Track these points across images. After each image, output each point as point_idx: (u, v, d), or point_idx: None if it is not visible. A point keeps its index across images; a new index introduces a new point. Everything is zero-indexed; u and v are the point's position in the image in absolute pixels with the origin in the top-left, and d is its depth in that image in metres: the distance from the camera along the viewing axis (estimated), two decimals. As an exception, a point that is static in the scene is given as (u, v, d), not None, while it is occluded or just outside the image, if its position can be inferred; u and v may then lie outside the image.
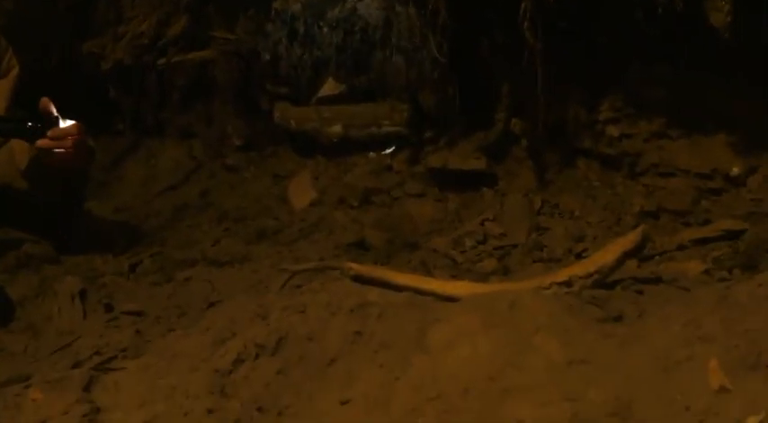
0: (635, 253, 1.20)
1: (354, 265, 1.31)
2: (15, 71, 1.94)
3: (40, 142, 1.72)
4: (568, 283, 1.14)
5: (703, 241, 1.54)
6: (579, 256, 1.57)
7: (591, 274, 1.14)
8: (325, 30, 2.26)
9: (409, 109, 2.30)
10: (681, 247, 1.53)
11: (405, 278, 1.23)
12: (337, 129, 2.38)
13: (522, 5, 1.50)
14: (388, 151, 2.30)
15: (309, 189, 2.32)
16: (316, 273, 1.50)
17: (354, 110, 2.38)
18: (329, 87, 2.41)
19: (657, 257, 1.48)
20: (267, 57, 2.41)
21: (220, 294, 1.67)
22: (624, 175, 1.79)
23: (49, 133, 1.71)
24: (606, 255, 1.16)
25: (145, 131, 2.74)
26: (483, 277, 1.52)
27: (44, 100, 1.72)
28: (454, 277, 1.53)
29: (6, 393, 1.29)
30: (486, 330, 1.03)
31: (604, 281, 1.16)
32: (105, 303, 1.72)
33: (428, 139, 2.15)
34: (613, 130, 1.76)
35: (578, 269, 1.16)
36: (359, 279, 1.28)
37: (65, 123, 1.72)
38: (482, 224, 1.79)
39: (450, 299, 1.17)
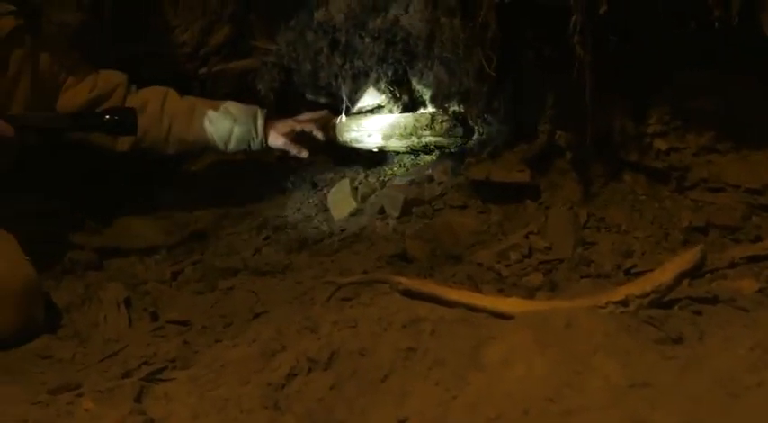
0: (692, 272, 1.17)
1: (404, 280, 1.30)
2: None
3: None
4: (624, 303, 1.12)
5: (755, 259, 1.51)
6: (628, 273, 1.55)
7: (647, 294, 1.13)
8: (367, 40, 2.26)
9: (450, 120, 2.29)
10: (732, 265, 1.50)
11: (456, 294, 1.22)
12: (377, 139, 2.38)
13: (573, 18, 1.48)
14: (429, 162, 2.30)
15: (349, 199, 2.32)
16: (363, 286, 1.50)
17: (394, 120, 2.38)
18: (369, 98, 2.42)
19: (709, 275, 1.45)
20: (308, 67, 2.42)
21: (265, 305, 1.68)
22: (672, 190, 1.76)
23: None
24: (663, 273, 1.14)
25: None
26: (530, 292, 1.51)
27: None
28: (501, 291, 1.52)
29: (58, 401, 1.31)
30: (541, 349, 1.02)
31: (661, 300, 1.14)
32: (151, 312, 1.74)
33: (470, 150, 2.14)
34: (661, 144, 1.73)
35: (634, 288, 1.14)
36: (409, 294, 1.28)
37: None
38: (526, 237, 1.77)
39: (503, 316, 1.16)
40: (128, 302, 1.85)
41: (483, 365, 1.02)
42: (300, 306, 1.57)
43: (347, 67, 2.37)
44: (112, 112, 1.94)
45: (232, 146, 2.26)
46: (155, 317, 1.73)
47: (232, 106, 2.24)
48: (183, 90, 2.61)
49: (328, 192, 2.43)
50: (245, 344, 1.43)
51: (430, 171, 2.22)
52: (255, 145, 2.27)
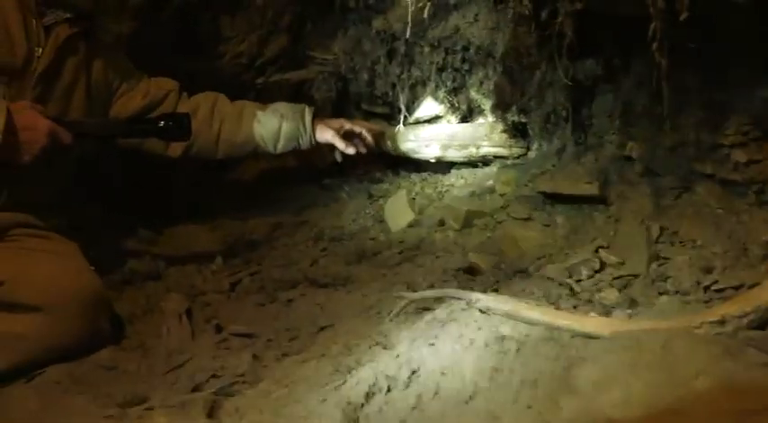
0: (793, 292, 1.11)
1: (483, 296, 1.26)
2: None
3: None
4: (721, 323, 1.07)
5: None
6: (708, 290, 1.49)
7: (746, 314, 1.07)
8: (426, 49, 2.24)
9: (509, 130, 2.25)
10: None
11: (539, 312, 1.18)
12: (435, 149, 2.35)
13: (652, 26, 1.43)
14: (489, 173, 2.26)
15: (407, 210, 2.29)
16: (434, 301, 1.46)
17: (453, 130, 2.34)
18: (427, 107, 2.39)
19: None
20: (365, 76, 2.40)
21: (330, 318, 1.65)
22: (750, 203, 1.69)
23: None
24: (763, 293, 1.08)
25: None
26: (606, 309, 1.45)
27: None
28: (575, 308, 1.47)
29: (129, 415, 1.30)
30: (637, 372, 0.97)
31: (761, 321, 1.08)
32: (215, 324, 1.72)
33: (533, 161, 2.09)
34: (740, 155, 1.66)
35: (732, 308, 1.08)
36: (487, 311, 1.24)
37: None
38: (596, 252, 1.72)
39: (591, 335, 1.11)
40: (189, 314, 1.84)
41: (576, 388, 0.98)
42: (368, 320, 1.53)
43: (405, 76, 2.35)
44: (167, 117, 1.94)
45: (281, 145, 2.22)
46: (218, 329, 1.71)
47: (280, 105, 2.22)
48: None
49: (384, 202, 2.40)
50: (314, 359, 1.41)
51: (491, 182, 2.17)
52: (305, 142, 2.23)
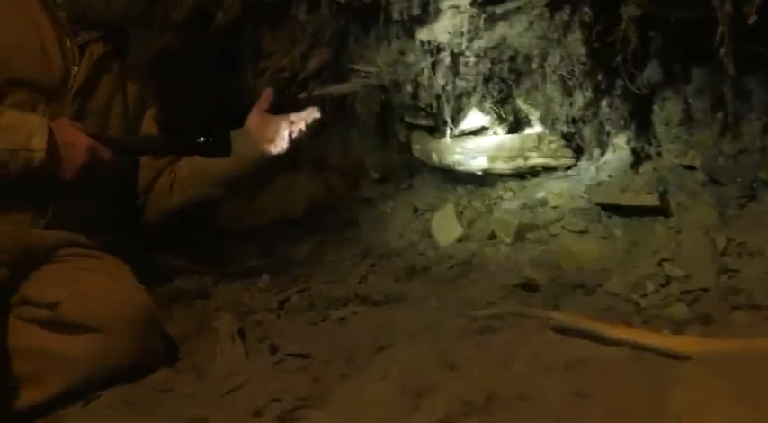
0: None
1: (556, 315, 1.21)
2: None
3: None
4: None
5: None
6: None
7: None
8: (471, 59, 2.20)
9: (558, 140, 2.20)
10: None
11: (620, 331, 1.13)
12: (482, 161, 2.31)
13: (719, 30, 1.38)
14: (539, 185, 2.21)
15: (455, 224, 2.25)
16: (498, 319, 1.41)
17: (500, 141, 2.30)
18: (473, 118, 2.35)
19: None
20: (408, 88, 2.37)
21: (388, 337, 1.60)
22: (821, 212, 1.63)
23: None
24: None
25: (280, 165, 2.74)
26: (678, 325, 1.39)
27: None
28: (645, 324, 1.41)
29: (191, 440, 1.26)
30: (738, 397, 0.91)
31: None
32: (270, 344, 1.69)
33: (586, 171, 2.04)
34: (808, 163, 1.61)
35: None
36: (562, 330, 1.19)
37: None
38: (660, 265, 1.66)
39: (678, 356, 1.06)
40: (241, 333, 1.81)
41: (670, 414, 0.92)
42: (429, 339, 1.48)
43: (450, 87, 2.31)
44: (206, 134, 1.88)
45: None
46: (273, 349, 1.68)
47: None
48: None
49: (431, 216, 2.36)
50: (376, 381, 1.36)
51: (542, 194, 2.12)
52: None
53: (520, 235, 2.02)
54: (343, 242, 2.42)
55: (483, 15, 2.06)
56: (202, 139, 1.86)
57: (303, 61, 2.47)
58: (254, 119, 2.01)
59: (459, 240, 2.18)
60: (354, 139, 2.62)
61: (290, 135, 2.00)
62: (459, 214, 2.29)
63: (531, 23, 1.99)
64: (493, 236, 2.10)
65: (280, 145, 1.99)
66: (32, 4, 1.77)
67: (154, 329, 1.66)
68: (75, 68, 1.79)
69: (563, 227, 1.96)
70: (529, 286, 1.76)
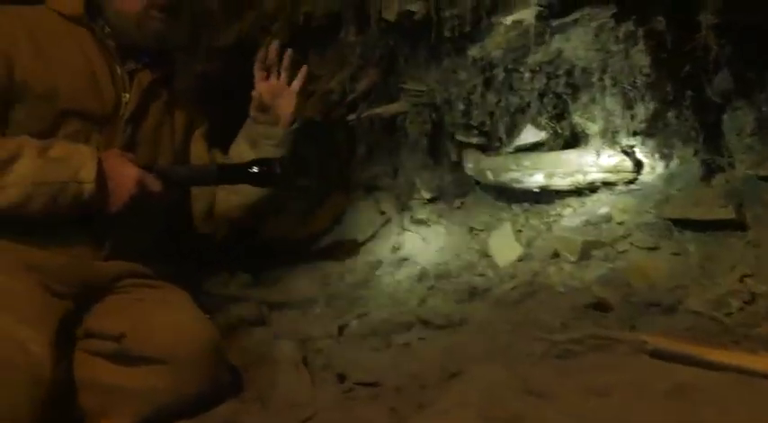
0: None
1: (651, 338, 1.15)
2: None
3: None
4: None
5: None
6: None
7: None
8: (526, 75, 2.15)
9: (617, 154, 2.14)
10: None
11: (723, 355, 1.06)
12: (539, 178, 2.25)
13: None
14: (601, 200, 2.14)
15: (513, 243, 2.19)
16: (578, 343, 1.35)
17: (557, 157, 2.24)
18: (529, 134, 2.30)
19: None
20: (460, 106, 2.32)
21: (458, 362, 1.55)
22: None
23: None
24: None
25: (330, 186, 2.72)
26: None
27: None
28: (736, 344, 1.34)
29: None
30: None
31: None
32: (338, 373, 1.64)
33: (652, 185, 1.97)
34: None
35: None
36: (658, 355, 1.12)
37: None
38: (741, 281, 1.59)
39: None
40: (305, 361, 1.77)
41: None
42: (505, 364, 1.43)
43: (503, 103, 2.27)
44: (259, 162, 1.83)
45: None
46: (341, 378, 1.63)
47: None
48: (331, 137, 2.59)
49: (487, 236, 2.31)
50: (455, 409, 1.31)
51: (605, 210, 2.06)
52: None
53: (585, 253, 1.96)
54: (396, 264, 2.38)
55: (538, 29, 2.01)
56: (255, 167, 1.82)
57: (351, 82, 2.45)
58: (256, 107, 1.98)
59: (520, 260, 2.12)
60: (404, 159, 2.58)
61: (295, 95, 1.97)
62: (518, 233, 2.23)
63: (590, 35, 1.94)
64: (555, 254, 2.04)
65: (293, 114, 1.97)
66: (81, 34, 1.78)
67: (220, 360, 1.63)
68: (126, 96, 1.80)
69: (631, 243, 1.89)
70: (601, 306, 1.69)
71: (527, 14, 1.81)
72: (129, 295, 1.70)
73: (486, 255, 2.24)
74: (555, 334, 1.40)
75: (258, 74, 1.98)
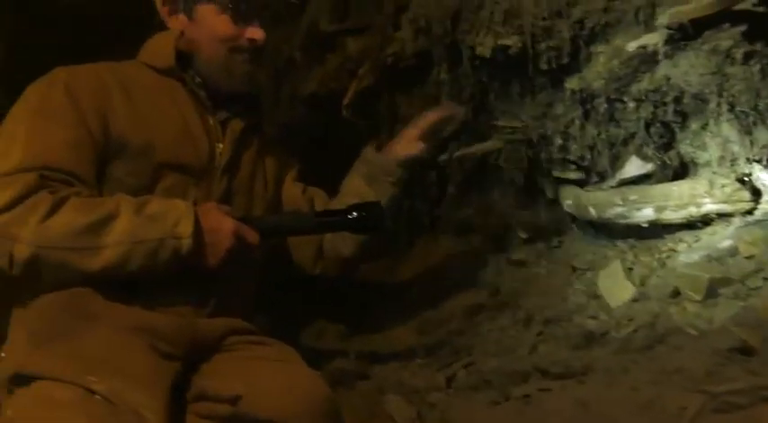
0: None
1: None
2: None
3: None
4: None
5: None
6: None
7: None
8: (630, 105, 2.04)
9: (732, 183, 2.00)
10: None
11: None
12: (648, 212, 2.11)
13: None
14: (720, 234, 2.00)
15: (625, 282, 2.06)
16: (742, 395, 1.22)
17: (666, 189, 2.10)
18: (633, 167, 2.18)
19: None
20: (558, 141, 2.23)
21: (599, 418, 1.43)
22: None
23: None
24: None
25: (419, 229, 2.64)
26: None
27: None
28: None
29: None
30: None
31: None
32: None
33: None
34: None
35: None
36: None
37: None
38: None
39: None
40: (420, 417, 1.67)
41: None
42: (656, 421, 1.30)
43: (603, 136, 2.16)
44: (358, 208, 1.75)
45: (370, 188, 1.96)
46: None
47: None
48: (420, 179, 2.51)
49: (594, 275, 2.18)
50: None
51: (729, 243, 1.91)
52: (378, 166, 1.97)
53: (711, 291, 1.81)
54: (498, 308, 2.26)
55: (642, 56, 1.91)
56: (355, 213, 1.74)
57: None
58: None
59: (634, 300, 1.98)
60: (498, 198, 2.48)
61: (427, 131, 1.95)
62: (628, 271, 2.10)
63: (702, 59, 1.82)
64: (675, 293, 1.89)
65: (416, 145, 1.95)
66: (173, 86, 1.78)
67: (337, 419, 1.54)
68: (220, 146, 1.78)
69: (765, 278, 1.74)
70: (745, 350, 1.55)
71: (654, 39, 1.71)
72: (238, 353, 1.64)
73: (595, 296, 2.11)
74: (708, 384, 1.26)
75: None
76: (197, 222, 1.54)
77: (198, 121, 1.76)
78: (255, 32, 1.77)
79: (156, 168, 1.68)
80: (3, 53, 2.69)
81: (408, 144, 1.95)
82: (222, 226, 1.58)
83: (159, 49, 1.79)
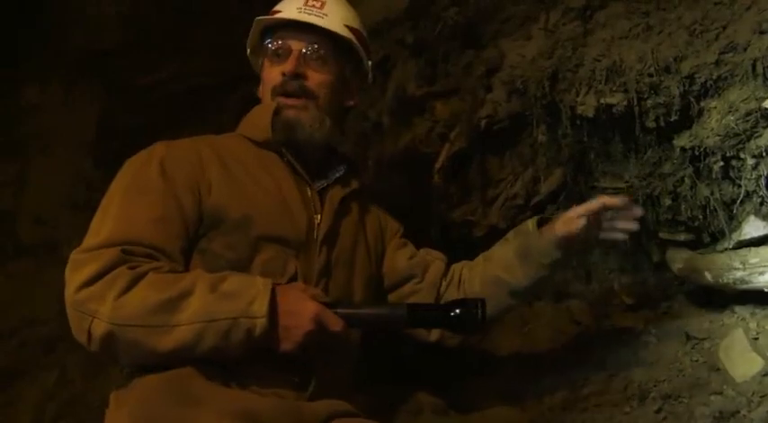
0: None
1: None
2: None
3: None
4: None
5: None
6: None
7: None
8: (748, 162, 1.91)
9: None
10: None
11: None
12: (771, 275, 1.96)
13: None
14: None
15: (751, 354, 1.89)
16: None
17: (790, 252, 1.95)
18: (752, 228, 2.02)
19: None
20: (666, 201, 2.10)
21: None
22: None
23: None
24: None
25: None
26: None
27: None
28: None
29: None
30: None
31: None
32: None
33: None
34: None
35: None
36: None
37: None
38: None
39: None
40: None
41: None
42: None
43: (717, 195, 2.02)
44: (456, 304, 1.60)
45: (522, 269, 1.83)
46: None
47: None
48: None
49: (711, 346, 2.01)
50: None
51: None
52: (538, 249, 1.81)
53: None
54: (605, 382, 2.10)
55: (761, 111, 1.79)
56: (456, 310, 1.58)
57: (536, 184, 2.28)
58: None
59: (765, 374, 1.82)
60: (598, 262, 2.35)
61: (594, 212, 1.77)
62: (753, 341, 1.93)
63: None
64: (815, 366, 1.72)
65: (577, 222, 1.77)
66: (270, 158, 1.75)
67: None
68: (318, 217, 1.72)
69: None
70: None
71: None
72: (347, 438, 1.54)
73: (716, 369, 1.94)
74: None
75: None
76: (273, 301, 1.45)
77: (295, 192, 1.71)
78: (285, 66, 1.73)
79: (253, 241, 1.62)
80: (94, 132, 2.80)
81: (569, 221, 1.77)
82: (302, 309, 1.46)
83: (257, 121, 1.76)
